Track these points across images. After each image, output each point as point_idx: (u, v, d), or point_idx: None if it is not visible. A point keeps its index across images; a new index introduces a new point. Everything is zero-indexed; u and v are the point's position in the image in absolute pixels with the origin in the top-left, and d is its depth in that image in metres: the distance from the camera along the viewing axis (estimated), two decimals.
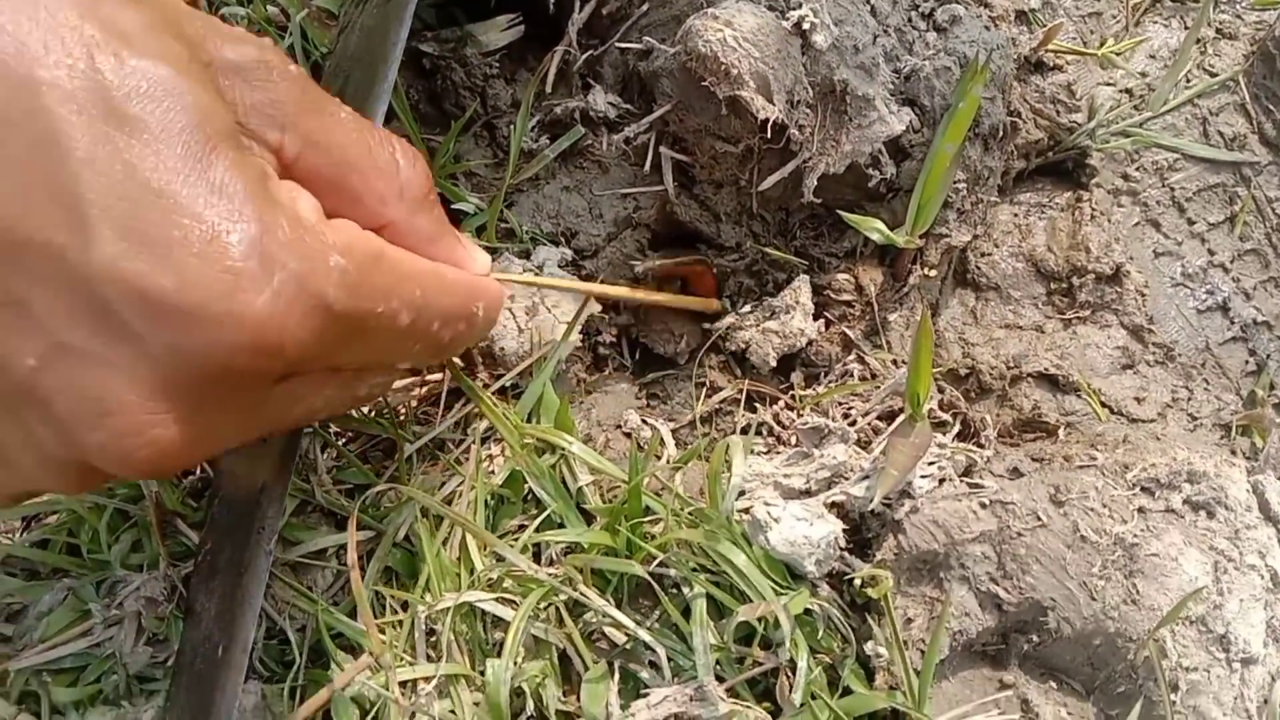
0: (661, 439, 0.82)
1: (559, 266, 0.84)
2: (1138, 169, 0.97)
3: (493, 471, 0.74)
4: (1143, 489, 0.69)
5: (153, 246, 0.32)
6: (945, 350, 0.90)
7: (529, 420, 0.77)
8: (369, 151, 0.44)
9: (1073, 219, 0.94)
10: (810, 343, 0.84)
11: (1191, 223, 0.96)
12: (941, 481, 0.71)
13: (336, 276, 0.37)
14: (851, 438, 0.74)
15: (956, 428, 0.76)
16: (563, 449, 0.72)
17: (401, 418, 0.78)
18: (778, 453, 0.79)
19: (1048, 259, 0.91)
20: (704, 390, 0.87)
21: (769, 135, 0.77)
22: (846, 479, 0.72)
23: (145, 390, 0.34)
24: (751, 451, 0.79)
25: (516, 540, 0.72)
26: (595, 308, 0.85)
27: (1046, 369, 0.86)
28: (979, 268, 0.93)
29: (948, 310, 0.92)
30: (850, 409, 0.78)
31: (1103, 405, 0.86)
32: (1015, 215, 0.95)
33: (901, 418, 0.73)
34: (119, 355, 0.33)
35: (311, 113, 0.41)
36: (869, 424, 0.76)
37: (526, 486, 0.74)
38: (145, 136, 0.32)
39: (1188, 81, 0.98)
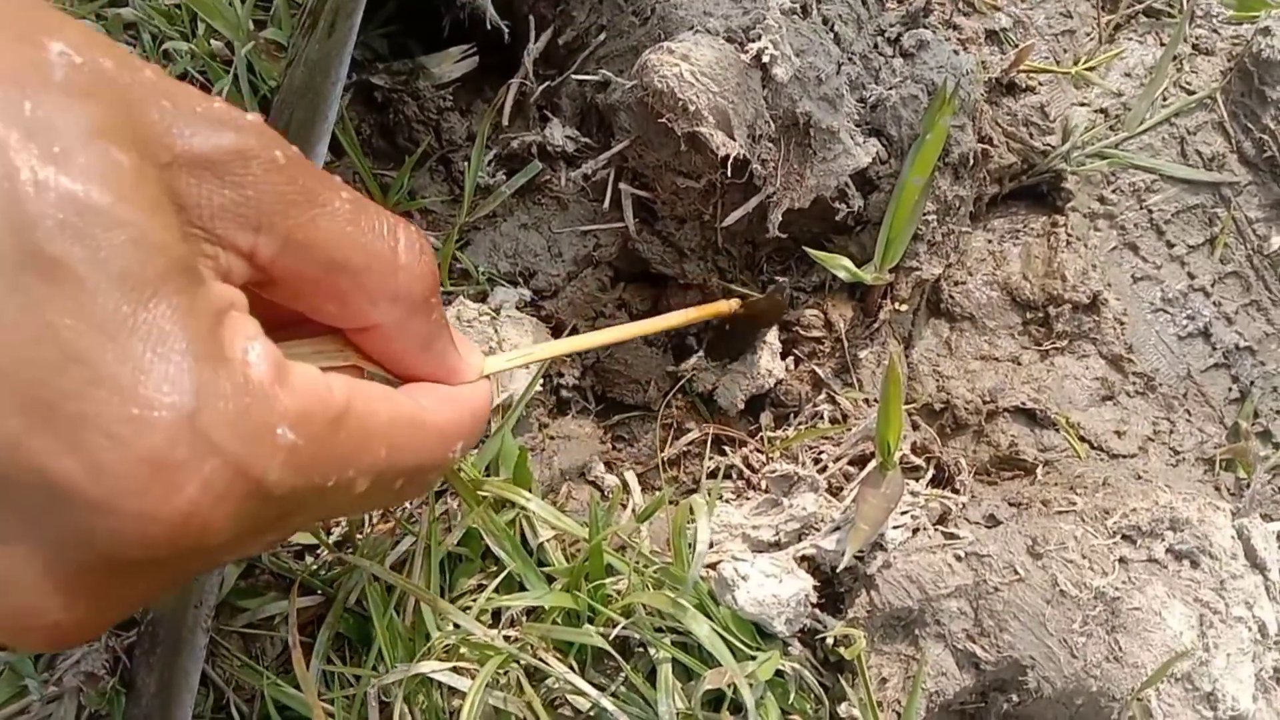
0: (627, 486, 0.79)
1: (517, 308, 0.81)
2: (1114, 191, 0.94)
3: (449, 528, 0.71)
4: (1124, 537, 0.66)
5: (60, 423, 0.26)
6: (919, 384, 0.87)
7: (487, 472, 0.74)
8: (364, 248, 0.37)
9: (1048, 245, 0.91)
10: (779, 382, 0.81)
11: (1170, 245, 0.93)
12: (915, 531, 0.68)
13: (282, 457, 0.31)
14: (821, 486, 0.71)
15: (930, 473, 0.73)
16: (521, 506, 0.68)
17: None
18: (746, 499, 0.76)
19: (1023, 287, 0.89)
20: (670, 432, 0.84)
21: (731, 171, 0.74)
22: (817, 530, 0.69)
23: (42, 571, 0.29)
24: (719, 498, 0.76)
25: (474, 603, 0.68)
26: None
27: (1023, 403, 0.84)
28: (953, 297, 0.90)
29: (921, 342, 0.90)
30: (821, 453, 0.75)
31: (1082, 440, 0.83)
32: (989, 242, 0.93)
33: (872, 465, 0.70)
34: (14, 531, 0.28)
35: (296, 207, 0.34)
36: (840, 469, 0.73)
37: (484, 544, 0.70)
38: (67, 286, 0.26)
39: (1164, 100, 0.95)
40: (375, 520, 0.72)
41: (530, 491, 0.71)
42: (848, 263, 0.76)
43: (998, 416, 0.84)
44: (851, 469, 0.73)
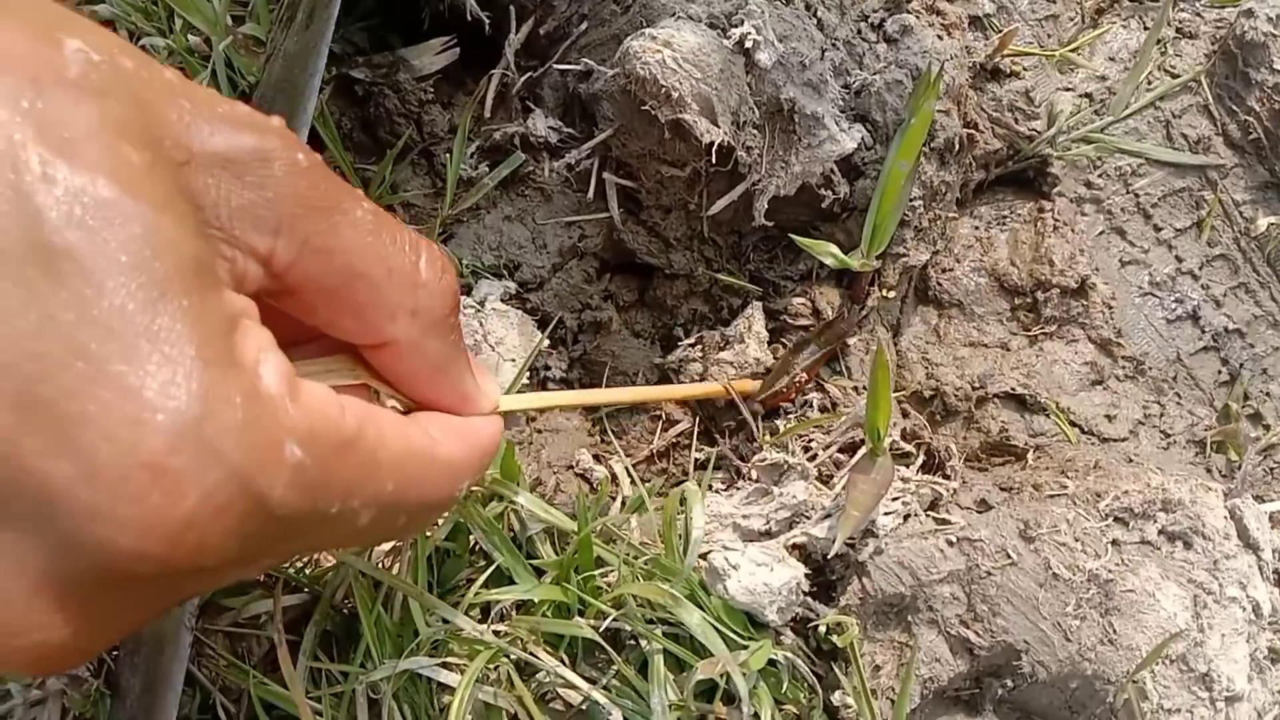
0: (615, 477, 0.79)
1: (502, 300, 0.80)
2: (1100, 176, 0.94)
3: (436, 523, 0.70)
4: (1116, 519, 0.66)
5: (57, 422, 0.25)
6: (908, 371, 0.87)
7: None
8: (384, 259, 0.35)
9: (1035, 230, 0.91)
10: (767, 370, 0.80)
11: (1158, 229, 0.93)
12: (906, 518, 0.68)
13: (288, 475, 0.29)
14: (812, 473, 0.70)
15: (920, 458, 0.73)
16: (509, 500, 0.67)
17: None
18: (737, 488, 0.76)
19: (1011, 273, 0.88)
20: (660, 423, 0.83)
21: (715, 158, 0.73)
22: (808, 518, 0.69)
23: (28, 585, 0.27)
24: (709, 488, 0.76)
25: (462, 598, 0.68)
26: (544, 343, 0.81)
27: (1013, 389, 0.83)
28: (940, 284, 0.89)
29: (910, 329, 0.89)
30: (810, 442, 0.74)
31: (1072, 425, 0.83)
32: (976, 228, 0.92)
33: (862, 452, 0.69)
34: (2, 541, 0.26)
35: (317, 211, 0.33)
36: (830, 457, 0.72)
37: (472, 538, 0.70)
38: (72, 279, 0.25)
39: (1149, 83, 0.95)
40: None
41: (518, 485, 0.71)
42: (834, 249, 0.76)
43: (987, 403, 0.83)
44: (842, 456, 0.72)
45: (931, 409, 0.84)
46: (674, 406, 0.83)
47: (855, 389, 0.79)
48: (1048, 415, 0.83)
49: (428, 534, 0.68)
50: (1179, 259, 0.93)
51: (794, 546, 0.67)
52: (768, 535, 0.69)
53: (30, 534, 0.26)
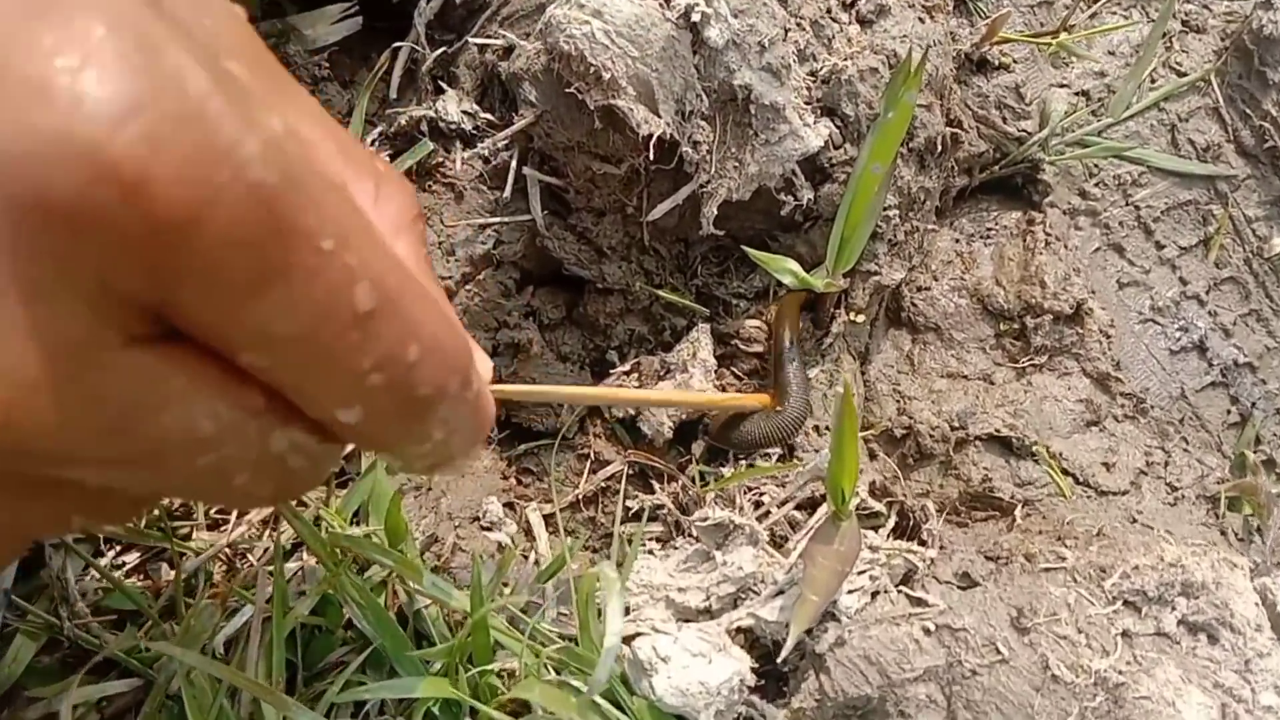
0: (530, 530, 0.66)
1: None
2: (1097, 185, 0.83)
3: (302, 591, 0.57)
4: (1126, 603, 0.55)
5: None
6: (877, 406, 0.75)
7: (355, 519, 0.60)
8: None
9: (1024, 246, 0.79)
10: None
11: (1160, 247, 0.82)
12: (874, 595, 0.56)
13: (258, 147, 0.23)
14: (762, 537, 0.58)
15: (892, 520, 0.61)
16: (392, 567, 0.55)
17: (186, 525, 0.61)
18: (674, 547, 0.63)
19: (996, 294, 0.77)
20: (589, 464, 0.71)
21: (656, 154, 0.61)
22: (756, 593, 0.57)
23: None
24: (642, 545, 0.63)
25: (330, 685, 0.55)
26: None
27: (998, 429, 0.72)
28: (915, 305, 0.78)
29: (879, 356, 0.77)
30: (762, 495, 0.62)
31: (1065, 474, 0.71)
32: (956, 242, 0.81)
33: (823, 514, 0.57)
34: None
35: None
36: (784, 515, 0.60)
37: (346, 612, 0.57)
38: None
39: (1152, 82, 0.84)
40: (203, 586, 0.58)
41: (404, 547, 0.58)
42: (795, 266, 0.64)
43: (968, 445, 0.72)
44: (798, 514, 0.60)
45: (903, 450, 0.73)
46: (604, 444, 0.70)
47: (817, 429, 0.67)
48: (1037, 461, 0.72)
49: (287, 609, 0.55)
50: (1183, 281, 0.82)
51: (738, 630, 0.55)
52: (707, 614, 0.57)
53: None
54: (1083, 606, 0.54)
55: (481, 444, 0.37)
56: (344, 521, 0.61)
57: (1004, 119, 0.81)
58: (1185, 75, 0.84)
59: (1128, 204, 0.83)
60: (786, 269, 0.63)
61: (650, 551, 0.63)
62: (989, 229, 0.81)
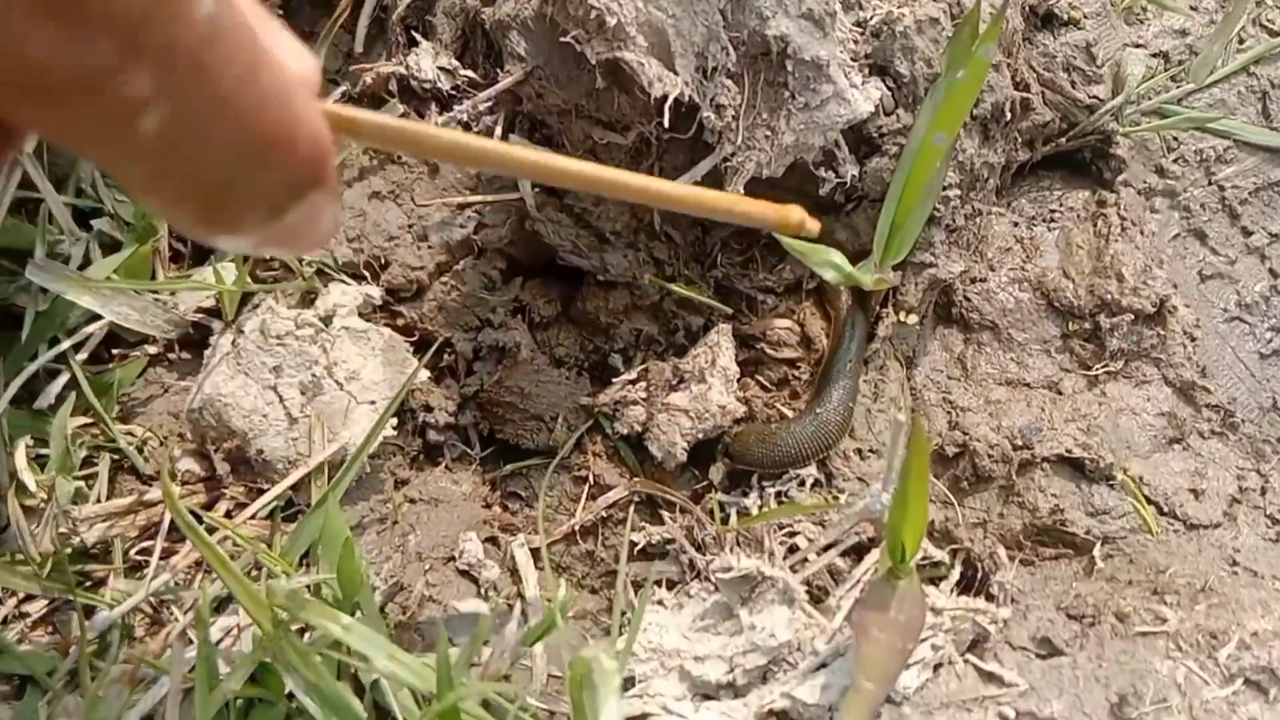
0: (517, 570, 0.56)
1: (360, 315, 0.56)
2: (1176, 160, 0.73)
3: (236, 659, 0.47)
4: (1247, 681, 0.44)
5: None
6: (926, 416, 0.64)
7: (304, 562, 0.50)
8: None
9: (1095, 231, 0.68)
10: (737, 422, 0.57)
11: (1248, 233, 0.72)
12: (937, 668, 0.45)
13: None
14: (798, 594, 0.48)
15: (956, 570, 0.50)
16: (336, 637, 0.44)
17: (102, 568, 0.50)
18: (688, 595, 0.53)
19: (1064, 288, 0.66)
20: (586, 488, 0.60)
21: (671, 120, 0.50)
22: (791, 665, 0.46)
23: None
24: (651, 596, 0.53)
25: None
26: (423, 375, 0.57)
27: (1069, 449, 0.61)
28: (969, 299, 0.67)
29: (926, 358, 0.67)
30: (795, 535, 0.51)
31: (1148, 501, 0.61)
32: (1016, 226, 0.70)
33: (872, 564, 0.46)
34: None
35: None
36: (826, 565, 0.50)
37: (290, 681, 0.46)
38: None
39: (1240, 42, 0.73)
40: (119, 643, 0.48)
41: (362, 596, 0.47)
42: (838, 257, 0.53)
43: (1033, 468, 0.61)
44: (842, 563, 0.50)
45: (956, 472, 0.62)
46: (606, 464, 0.60)
47: (859, 453, 0.56)
48: (1112, 487, 0.61)
49: (214, 683, 0.45)
50: (1274, 274, 0.71)
51: (770, 714, 0.44)
52: (731, 690, 0.46)
53: None
54: (1195, 688, 0.44)
55: (309, 206, 0.26)
56: (289, 566, 0.51)
57: (1073, 83, 0.70)
58: (1278, 35, 0.73)
59: (1211, 183, 0.73)
60: (827, 261, 0.52)
61: (660, 602, 0.52)
62: (1053, 211, 0.71)
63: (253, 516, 0.54)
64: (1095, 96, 0.71)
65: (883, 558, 0.45)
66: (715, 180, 0.55)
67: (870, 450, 0.57)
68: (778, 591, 0.48)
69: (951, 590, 0.50)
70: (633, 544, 0.58)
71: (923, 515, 0.42)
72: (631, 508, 0.59)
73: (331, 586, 0.50)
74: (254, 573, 0.52)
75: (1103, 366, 0.66)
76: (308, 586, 0.49)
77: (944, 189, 0.58)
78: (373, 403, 0.55)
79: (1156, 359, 0.66)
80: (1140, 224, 0.70)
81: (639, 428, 0.59)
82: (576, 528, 0.59)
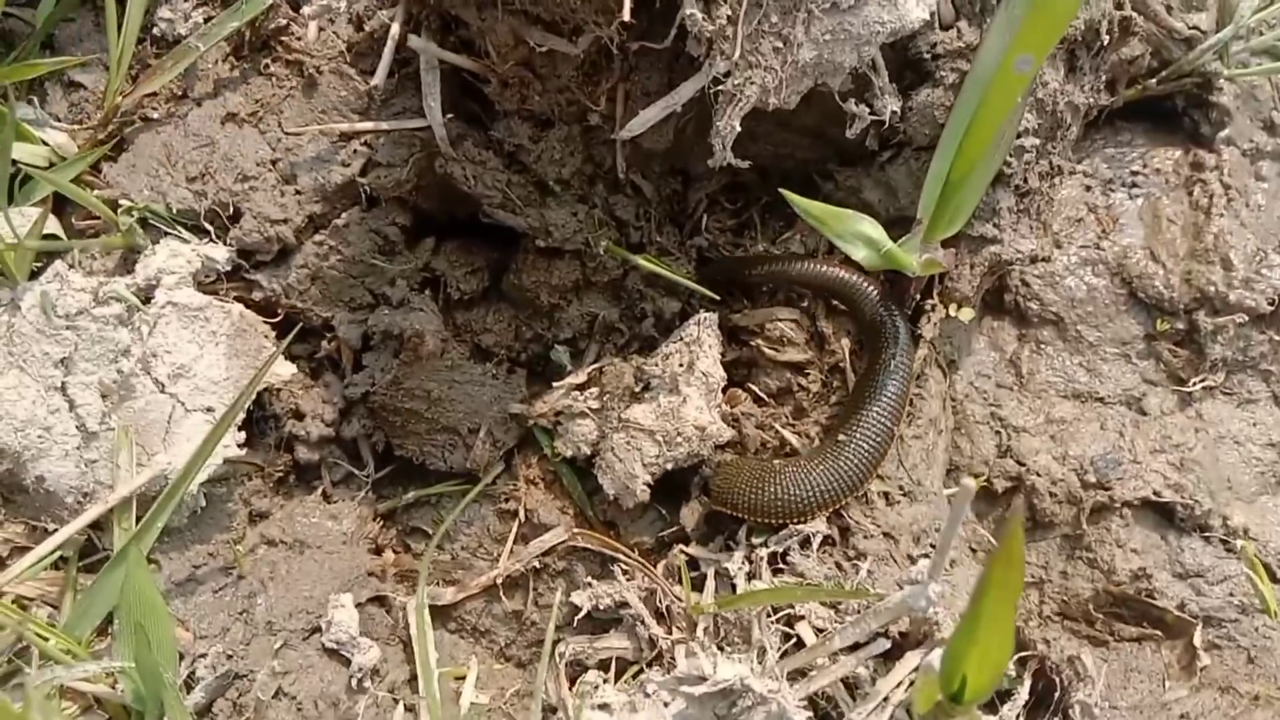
0: (409, 645, 0.41)
1: (198, 286, 0.40)
2: None
3: None
4: None
5: None
6: (967, 439, 0.50)
7: (108, 632, 0.35)
8: None
9: (1191, 202, 0.54)
10: (721, 449, 0.42)
11: None
12: None
13: None
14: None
15: (1025, 687, 0.35)
16: None
17: None
18: (644, 694, 0.37)
19: (1151, 274, 0.52)
20: (516, 525, 0.45)
21: (640, 22, 0.34)
22: None
23: None
24: (592, 696, 0.38)
25: None
26: (288, 370, 0.41)
27: (1157, 490, 0.46)
28: (1026, 283, 0.53)
29: (969, 359, 0.52)
30: (795, 621, 0.36)
31: (1261, 563, 0.46)
32: (1089, 190, 0.55)
33: (908, 674, 0.31)
34: None
35: None
36: (841, 675, 0.34)
37: None
38: None
39: None
40: None
41: (167, 694, 0.32)
42: (870, 225, 0.37)
43: (1110, 513, 0.47)
44: (863, 670, 0.34)
45: (1006, 513, 0.47)
46: (542, 495, 0.45)
47: (887, 497, 0.40)
48: (1208, 539, 0.46)
49: None
50: None
51: None
52: None
53: None
54: None
55: None
56: (76, 643, 0.35)
57: (1168, 8, 0.54)
58: None
59: None
60: (857, 233, 0.36)
61: (604, 705, 0.37)
62: (1135, 174, 0.57)
63: (35, 565, 0.38)
64: (1195, 27, 0.57)
65: (929, 682, 0.30)
66: (702, 112, 0.39)
67: (902, 492, 0.42)
68: (769, 715, 0.33)
69: (1021, 714, 0.34)
70: (573, 608, 0.43)
71: (1003, 649, 0.27)
72: (574, 556, 0.44)
73: (132, 679, 0.35)
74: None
75: (1200, 381, 0.51)
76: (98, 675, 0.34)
77: (1017, 136, 0.42)
78: (209, 410, 0.39)
79: (1266, 372, 0.52)
80: (1245, 194, 0.55)
81: (588, 449, 0.44)
82: (500, 579, 0.44)
